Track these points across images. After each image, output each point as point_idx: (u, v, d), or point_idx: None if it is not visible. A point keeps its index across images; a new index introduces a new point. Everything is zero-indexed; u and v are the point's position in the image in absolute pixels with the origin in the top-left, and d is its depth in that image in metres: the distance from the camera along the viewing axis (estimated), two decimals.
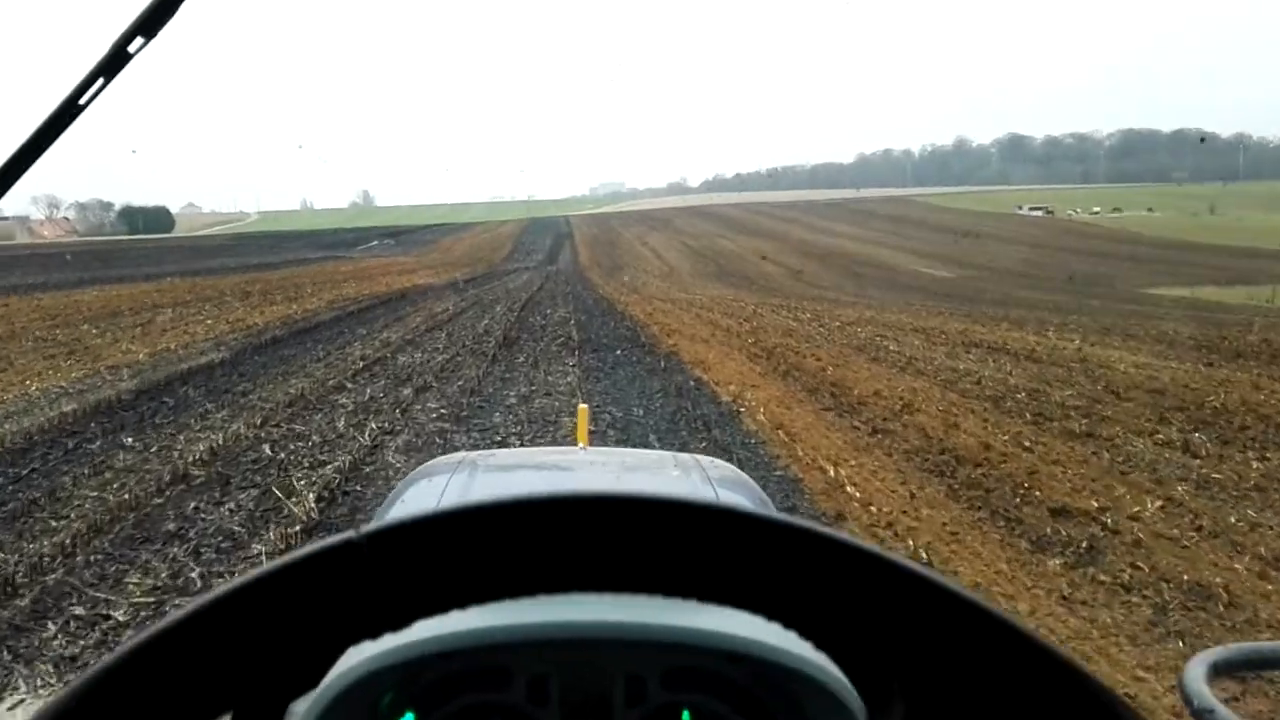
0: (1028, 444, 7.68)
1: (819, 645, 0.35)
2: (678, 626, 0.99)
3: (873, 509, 6.02)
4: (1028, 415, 8.80)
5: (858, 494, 6.34)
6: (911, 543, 5.44)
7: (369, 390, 10.66)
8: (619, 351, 13.49)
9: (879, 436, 8.09)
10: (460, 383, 10.99)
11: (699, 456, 2.14)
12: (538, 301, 22.00)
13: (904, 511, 6.03)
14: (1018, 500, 6.25)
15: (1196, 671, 0.78)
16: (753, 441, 7.91)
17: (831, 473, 6.85)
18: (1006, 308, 22.89)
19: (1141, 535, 5.55)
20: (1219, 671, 0.80)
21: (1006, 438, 7.91)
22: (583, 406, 3.24)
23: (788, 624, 0.34)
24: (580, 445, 2.47)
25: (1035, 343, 14.21)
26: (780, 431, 8.18)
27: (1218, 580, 4.93)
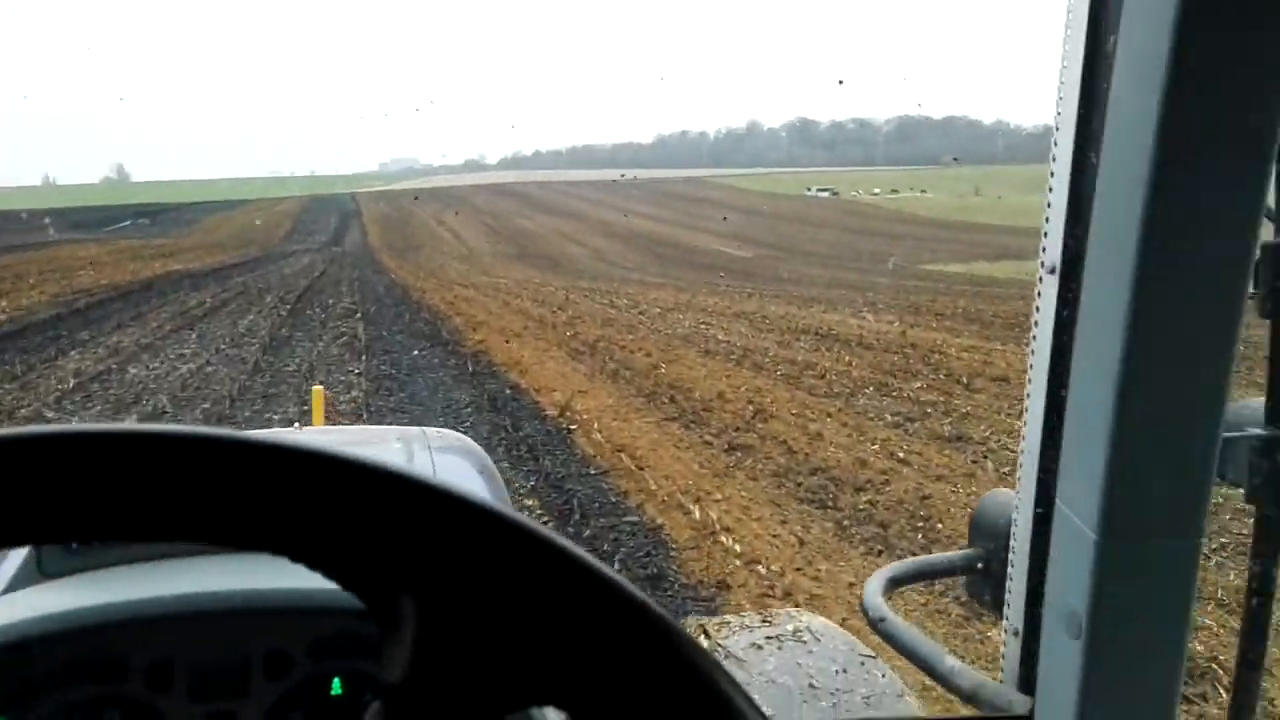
0: (902, 455, 6.69)
1: (316, 566, 0.32)
2: (315, 590, 0.78)
3: (761, 569, 4.71)
4: (887, 416, 7.88)
5: (737, 546, 5.01)
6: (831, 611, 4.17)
7: (76, 420, 8.17)
8: (416, 353, 11.53)
9: (738, 455, 6.82)
10: (206, 404, 8.70)
11: (428, 429, 2.13)
12: (318, 291, 19.28)
13: (799, 569, 4.75)
14: (921, 535, 5.17)
15: (874, 585, 0.85)
16: (593, 471, 6.41)
17: (696, 514, 5.47)
18: (807, 286, 22.75)
19: None
20: (895, 584, 0.87)
21: (876, 447, 6.89)
22: (318, 388, 3.39)
23: (295, 556, 0.32)
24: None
25: (858, 326, 13.64)
26: (623, 455, 6.73)
27: None
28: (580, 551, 0.33)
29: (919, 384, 9.11)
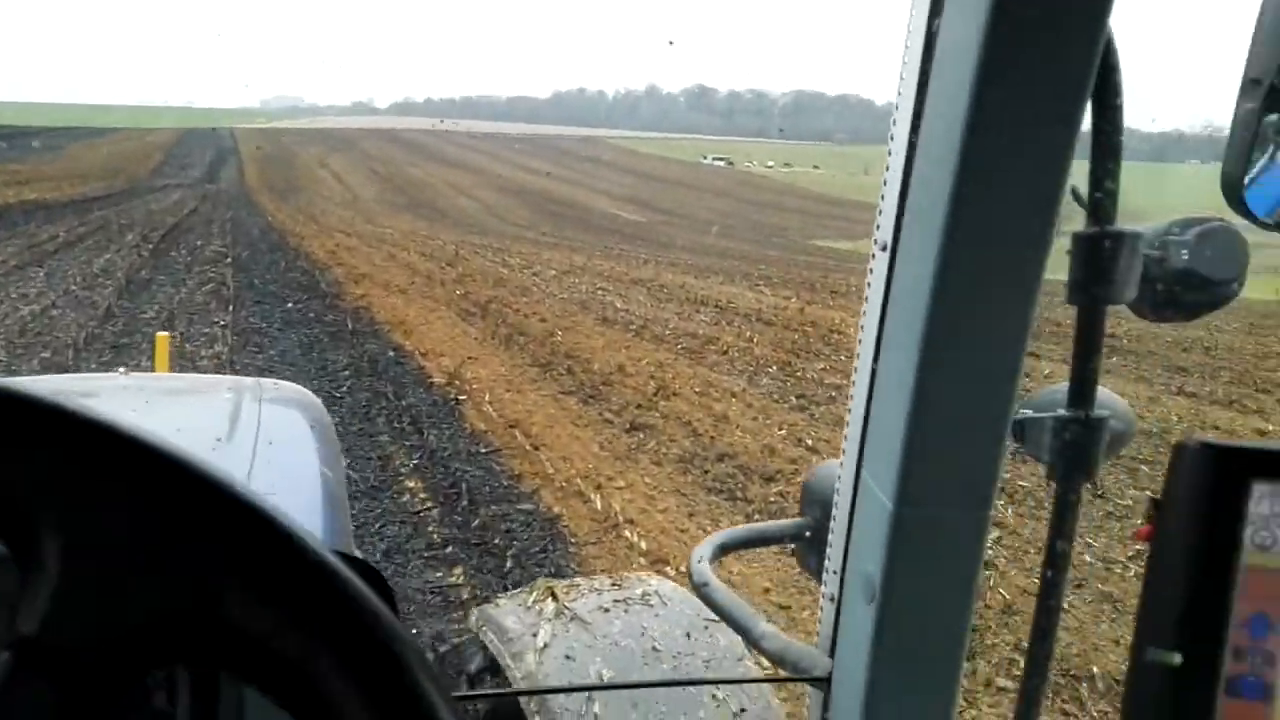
0: (810, 442, 6.44)
1: None
2: None
3: (670, 571, 4.33)
4: (793, 399, 7.64)
5: (643, 543, 4.60)
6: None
7: None
8: (291, 305, 10.62)
9: (640, 435, 6.41)
10: (46, 353, 7.67)
11: (264, 380, 2.12)
12: (186, 230, 17.72)
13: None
14: None
15: (703, 551, 0.87)
16: (483, 450, 5.87)
17: (597, 503, 5.04)
18: (703, 256, 22.52)
19: None
20: (724, 550, 0.89)
21: (784, 432, 6.62)
22: (163, 334, 3.20)
23: None
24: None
25: (757, 300, 13.42)
26: (517, 432, 6.21)
27: None
28: (246, 492, 0.31)
29: (821, 365, 8.92)
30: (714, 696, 1.53)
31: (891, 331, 0.71)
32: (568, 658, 1.57)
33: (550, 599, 1.73)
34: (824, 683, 0.80)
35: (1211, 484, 0.45)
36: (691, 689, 1.53)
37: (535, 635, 1.62)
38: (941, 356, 0.64)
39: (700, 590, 0.87)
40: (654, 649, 1.61)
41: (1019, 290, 0.63)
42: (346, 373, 7.70)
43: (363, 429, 6.15)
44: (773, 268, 19.56)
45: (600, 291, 13.38)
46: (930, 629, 0.70)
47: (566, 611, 1.69)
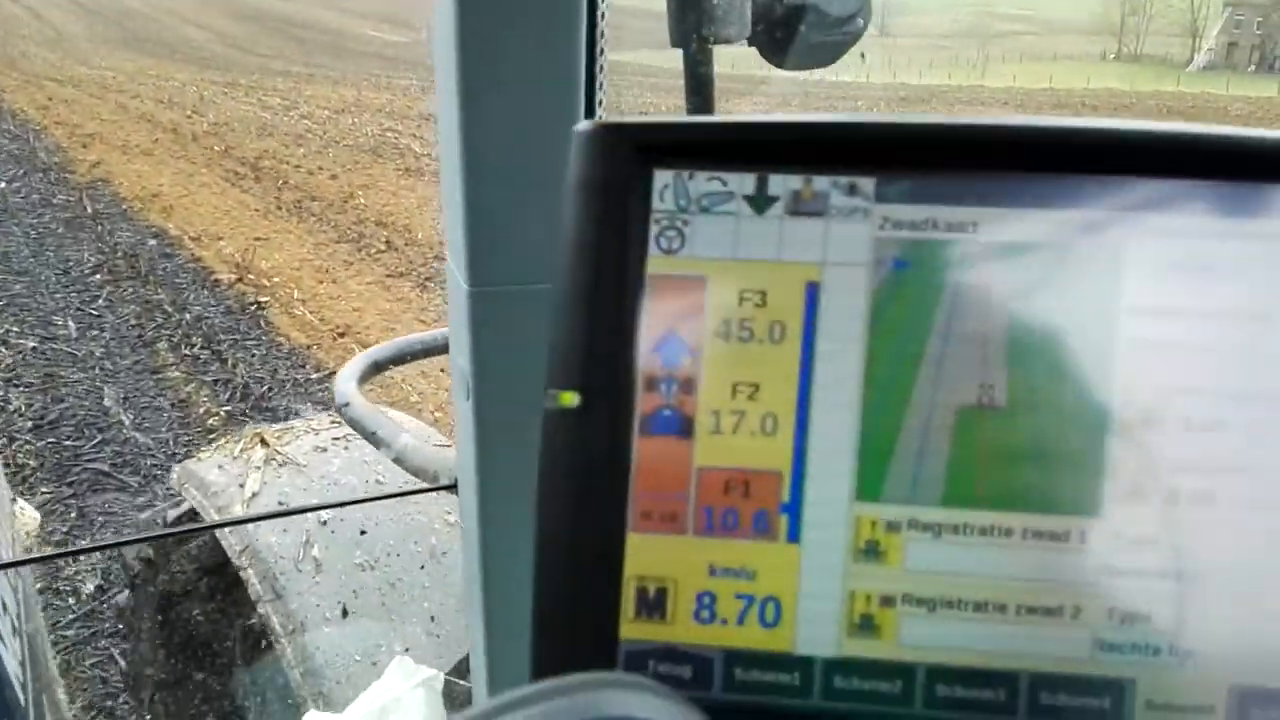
0: None
1: None
2: None
3: None
4: None
5: None
6: None
7: None
8: (4, 185, 8.41)
9: None
10: None
11: None
12: None
13: None
14: None
15: (350, 371, 0.85)
16: (315, 377, 4.74)
17: None
18: None
19: None
20: (377, 368, 0.86)
21: None
22: None
23: None
24: None
25: None
26: (349, 340, 5.12)
27: None
28: None
29: None
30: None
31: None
32: (280, 504, 1.46)
33: (260, 445, 1.62)
34: (454, 489, 0.76)
35: (603, 175, 0.34)
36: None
37: (243, 485, 1.50)
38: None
39: (342, 410, 0.84)
40: (378, 481, 1.54)
41: None
42: (98, 278, 6.06)
43: (141, 365, 4.76)
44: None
45: (390, 134, 11.70)
46: (520, 417, 0.63)
47: (278, 456, 1.59)
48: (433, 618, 1.44)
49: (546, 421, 0.34)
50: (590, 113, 0.63)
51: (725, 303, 0.34)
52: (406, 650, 1.26)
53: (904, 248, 0.34)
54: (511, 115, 0.61)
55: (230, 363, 4.83)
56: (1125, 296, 0.33)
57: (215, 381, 4.61)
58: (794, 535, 0.34)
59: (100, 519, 3.43)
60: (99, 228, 7.12)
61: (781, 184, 0.34)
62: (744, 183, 0.34)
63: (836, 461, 0.33)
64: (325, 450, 1.60)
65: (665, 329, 0.34)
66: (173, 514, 1.67)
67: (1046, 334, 0.33)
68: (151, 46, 27.75)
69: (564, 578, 0.34)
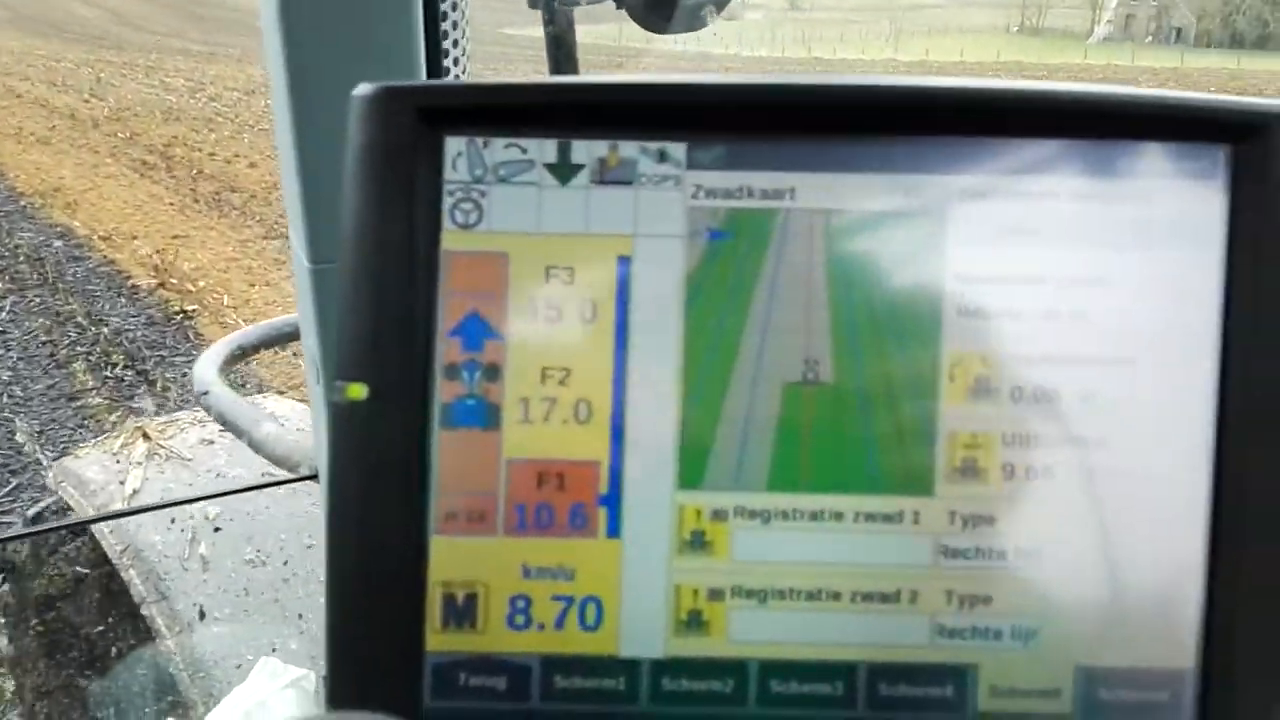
0: None
1: None
2: None
3: None
4: None
5: None
6: None
7: None
8: None
9: None
10: None
11: None
12: None
13: None
14: None
15: (210, 358, 0.83)
16: (261, 400, 4.44)
17: None
18: None
19: None
20: (242, 354, 0.85)
21: None
22: None
23: None
24: None
25: None
26: (297, 355, 4.85)
27: None
28: None
29: None
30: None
31: None
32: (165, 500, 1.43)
33: (142, 440, 1.55)
34: (315, 479, 0.75)
35: (386, 143, 0.31)
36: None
37: (123, 482, 1.44)
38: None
39: (201, 399, 0.82)
40: (269, 474, 1.29)
41: None
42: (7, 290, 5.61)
43: (55, 391, 4.16)
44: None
45: None
46: None
47: (162, 451, 1.53)
48: None
49: (334, 417, 0.31)
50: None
51: (530, 280, 0.31)
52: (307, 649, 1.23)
53: (720, 217, 0.31)
54: (343, 82, 0.56)
55: (160, 385, 4.24)
56: (952, 263, 0.31)
57: (145, 411, 4.23)
58: (614, 529, 0.31)
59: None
60: None
61: (586, 151, 0.31)
62: (545, 150, 0.31)
63: (657, 448, 0.31)
64: (213, 443, 1.55)
65: (464, 311, 0.31)
66: (33, 513, 1.59)
67: (872, 305, 0.31)
68: (38, 25, 26.20)
69: (361, 588, 0.31)
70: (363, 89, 0.31)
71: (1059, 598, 0.31)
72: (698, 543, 0.31)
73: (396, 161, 0.31)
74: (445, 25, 0.57)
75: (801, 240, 0.31)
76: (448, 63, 0.58)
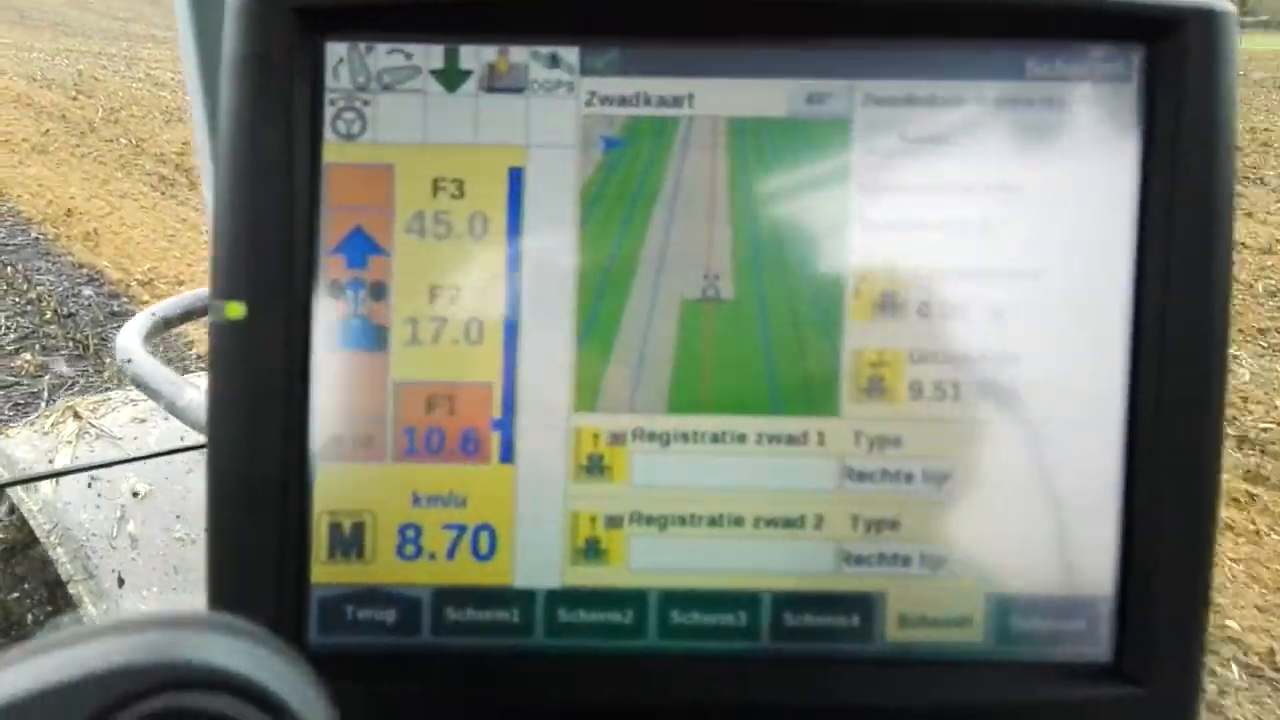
0: None
1: None
2: None
3: None
4: None
5: None
6: None
7: None
8: None
9: None
10: None
11: None
12: None
13: None
14: None
15: (134, 327, 0.82)
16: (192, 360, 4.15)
17: None
18: None
19: None
20: (167, 324, 0.85)
21: None
22: None
23: None
24: None
25: None
26: None
27: None
28: None
29: None
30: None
31: None
32: (93, 479, 1.38)
33: (72, 419, 1.51)
34: None
35: (262, 51, 0.29)
36: None
37: (52, 461, 1.43)
38: None
39: (124, 367, 0.80)
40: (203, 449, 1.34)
41: None
42: (26, 357, 3.64)
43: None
44: None
45: None
46: None
47: (93, 429, 1.49)
48: None
49: (213, 337, 0.29)
50: None
51: (417, 193, 0.30)
52: None
53: (616, 125, 0.30)
54: None
55: None
56: (857, 173, 0.30)
57: None
58: (507, 455, 0.30)
59: None
60: (5, 272, 4.74)
61: (474, 56, 0.30)
62: (431, 55, 0.30)
63: (552, 370, 0.30)
64: (144, 421, 1.51)
65: (348, 226, 0.30)
66: None
67: (773, 218, 0.30)
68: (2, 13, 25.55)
69: (242, 518, 0.29)
70: None
71: (969, 523, 0.30)
72: (595, 468, 0.30)
73: (273, 70, 0.29)
74: None
75: (702, 150, 0.30)
76: None
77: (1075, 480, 0.30)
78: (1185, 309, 0.29)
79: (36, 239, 5.37)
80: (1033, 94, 0.30)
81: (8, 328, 3.94)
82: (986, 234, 0.30)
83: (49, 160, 7.50)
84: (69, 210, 5.86)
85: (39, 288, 4.55)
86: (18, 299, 4.37)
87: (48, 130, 8.94)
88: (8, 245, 5.14)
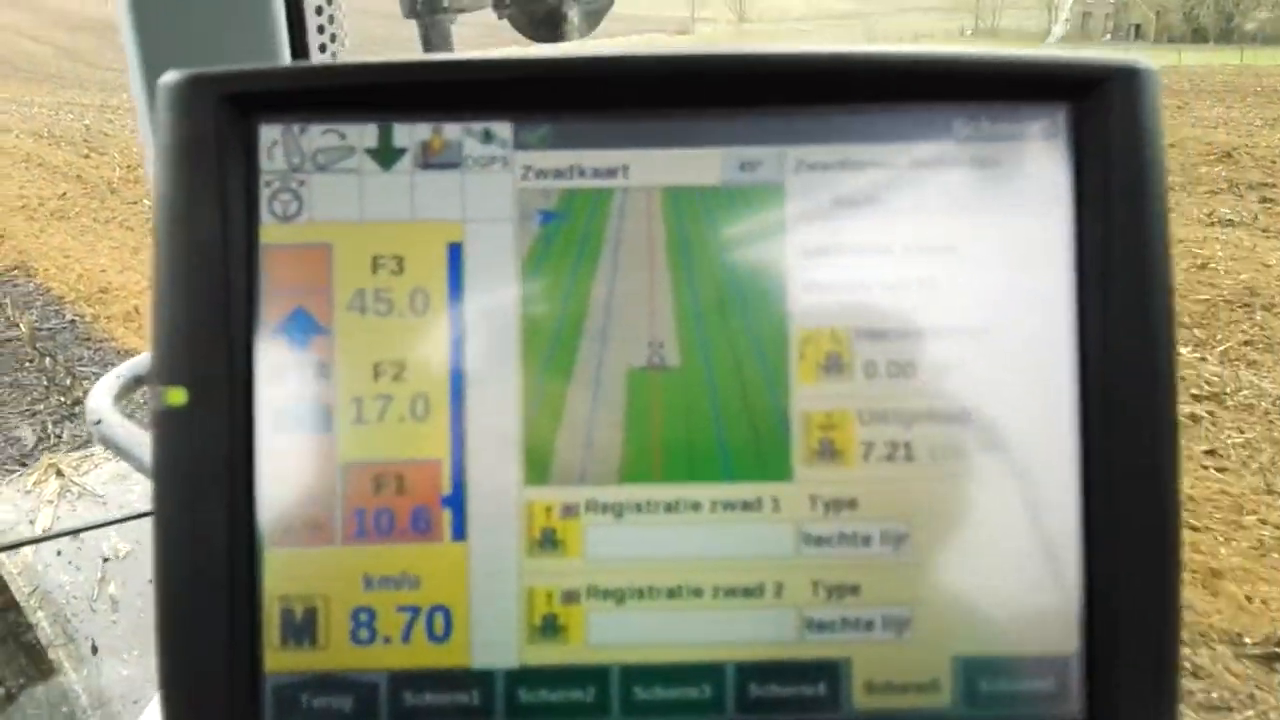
0: None
1: None
2: None
3: None
4: None
5: None
6: None
7: None
8: None
9: None
10: None
11: None
12: None
13: None
14: None
15: (105, 385, 0.79)
16: None
17: None
18: None
19: None
20: (138, 383, 0.80)
21: None
22: None
23: None
24: None
25: None
26: None
27: None
28: None
29: None
30: None
31: None
32: (75, 539, 1.39)
33: (55, 477, 1.50)
34: None
35: (192, 135, 0.29)
36: None
37: (33, 522, 1.42)
38: None
39: (95, 428, 0.77)
40: None
41: None
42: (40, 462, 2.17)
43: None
44: None
45: None
46: None
47: (75, 487, 1.49)
48: None
49: (154, 424, 0.29)
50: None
51: (356, 271, 0.30)
52: None
53: (551, 198, 0.30)
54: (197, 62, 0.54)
55: None
56: (794, 237, 0.30)
57: None
58: (459, 532, 0.29)
59: None
60: (44, 364, 3.87)
61: (408, 134, 0.30)
62: (365, 134, 0.30)
63: (500, 443, 0.30)
64: (126, 478, 1.51)
65: (288, 307, 0.30)
66: None
67: (714, 284, 0.30)
68: None
69: (192, 606, 0.29)
70: (167, 77, 0.29)
71: (930, 584, 0.30)
72: (549, 542, 0.30)
73: (205, 153, 0.29)
74: (312, 6, 0.55)
75: (639, 219, 0.30)
76: (322, 40, 0.56)
77: (1034, 536, 0.29)
78: (1129, 360, 0.29)
79: (73, 321, 4.68)
80: (962, 154, 0.30)
81: (57, 436, 3.33)
82: (926, 292, 0.30)
83: (71, 227, 6.83)
84: (103, 287, 5.17)
85: (84, 382, 3.76)
86: (62, 398, 3.67)
87: (64, 193, 8.15)
88: (42, 330, 4.44)
